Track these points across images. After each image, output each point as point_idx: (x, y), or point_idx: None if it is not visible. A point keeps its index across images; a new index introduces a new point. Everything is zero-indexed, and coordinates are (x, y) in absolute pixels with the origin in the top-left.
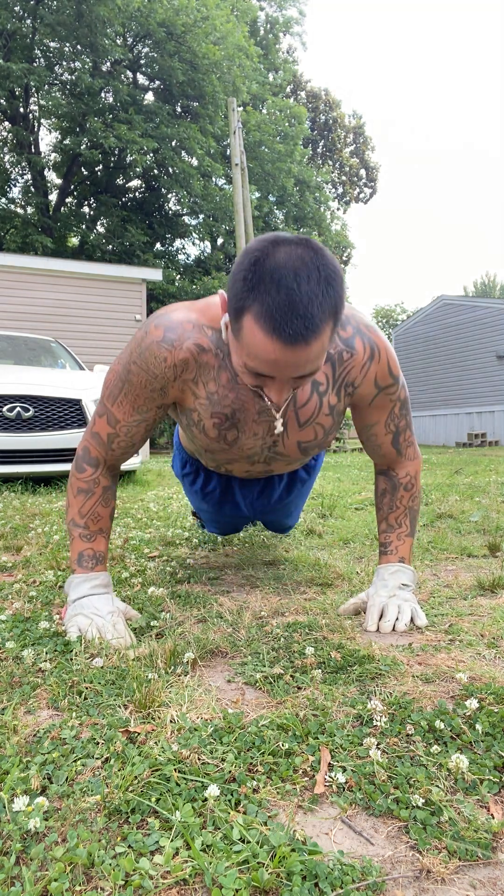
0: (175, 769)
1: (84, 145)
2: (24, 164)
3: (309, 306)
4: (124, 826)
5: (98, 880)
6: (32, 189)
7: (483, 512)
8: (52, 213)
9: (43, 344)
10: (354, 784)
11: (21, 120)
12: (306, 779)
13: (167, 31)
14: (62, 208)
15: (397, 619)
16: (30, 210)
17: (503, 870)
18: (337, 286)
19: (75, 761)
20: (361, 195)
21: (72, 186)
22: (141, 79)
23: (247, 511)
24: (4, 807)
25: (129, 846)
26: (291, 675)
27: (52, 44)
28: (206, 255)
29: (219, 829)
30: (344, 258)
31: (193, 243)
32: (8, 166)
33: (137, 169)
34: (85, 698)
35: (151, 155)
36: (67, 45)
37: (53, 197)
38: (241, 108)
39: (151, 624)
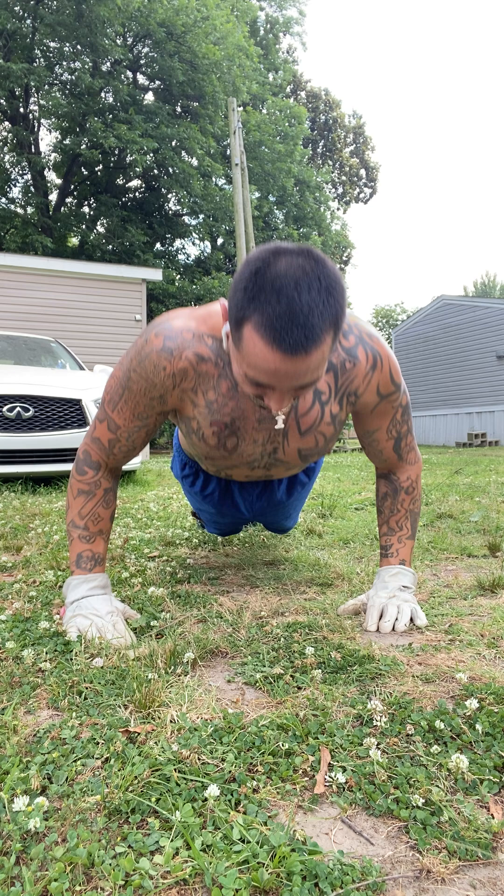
0: (175, 769)
1: (84, 145)
2: (24, 164)
3: (309, 316)
4: (124, 826)
5: (98, 880)
6: (32, 189)
7: (483, 512)
8: (52, 213)
9: (43, 344)
10: (354, 784)
11: (21, 120)
12: (306, 779)
13: (167, 31)
14: (62, 208)
15: (397, 619)
16: (30, 210)
17: (503, 870)
18: (338, 296)
19: (75, 761)
20: (361, 195)
21: (72, 186)
22: (141, 79)
23: (246, 512)
24: (4, 807)
25: (129, 846)
26: (291, 675)
27: (52, 44)
28: (206, 255)
29: (219, 829)
30: (344, 258)
31: (193, 243)
32: (8, 166)
33: (137, 169)
34: (85, 698)
35: (151, 155)
36: (67, 45)
37: (53, 197)
38: (241, 108)
39: (151, 624)
